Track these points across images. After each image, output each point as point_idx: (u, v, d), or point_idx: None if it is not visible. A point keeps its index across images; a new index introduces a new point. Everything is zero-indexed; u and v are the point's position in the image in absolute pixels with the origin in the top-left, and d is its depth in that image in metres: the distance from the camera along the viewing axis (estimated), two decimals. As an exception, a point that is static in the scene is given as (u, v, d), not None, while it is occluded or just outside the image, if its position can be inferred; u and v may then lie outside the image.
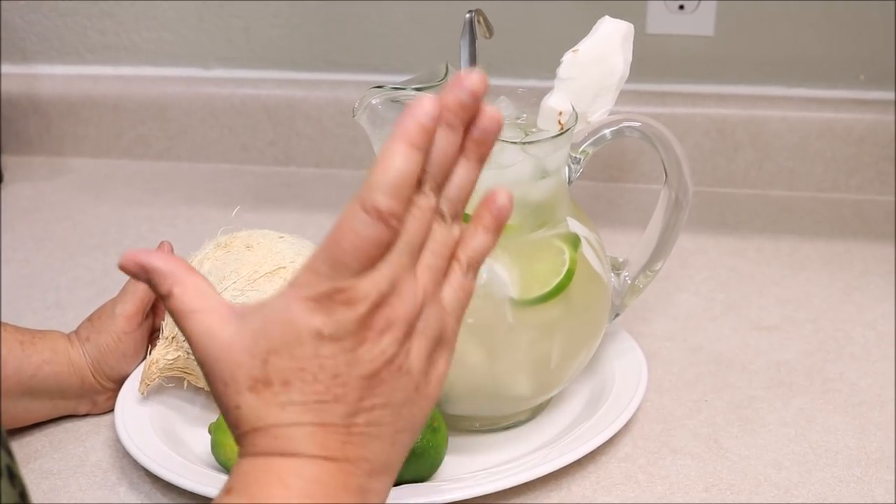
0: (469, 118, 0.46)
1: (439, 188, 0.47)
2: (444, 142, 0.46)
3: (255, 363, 0.46)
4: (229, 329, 0.46)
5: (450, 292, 0.49)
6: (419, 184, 0.46)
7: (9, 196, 1.20)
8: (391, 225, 0.44)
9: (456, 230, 0.49)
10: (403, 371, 0.47)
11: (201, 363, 0.47)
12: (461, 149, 0.47)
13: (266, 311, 0.46)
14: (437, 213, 0.47)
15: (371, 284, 0.45)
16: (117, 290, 0.81)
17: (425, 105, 0.44)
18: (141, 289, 0.79)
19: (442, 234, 0.48)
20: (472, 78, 0.45)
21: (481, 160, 0.48)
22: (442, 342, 0.49)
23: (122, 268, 0.49)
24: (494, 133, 0.47)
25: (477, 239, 0.49)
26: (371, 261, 0.45)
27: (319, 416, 0.45)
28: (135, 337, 0.79)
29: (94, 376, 0.78)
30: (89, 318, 0.80)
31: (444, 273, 0.49)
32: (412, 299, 0.46)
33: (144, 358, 0.79)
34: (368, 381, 0.46)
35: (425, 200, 0.46)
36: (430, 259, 0.48)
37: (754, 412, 0.79)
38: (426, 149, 0.45)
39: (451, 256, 0.49)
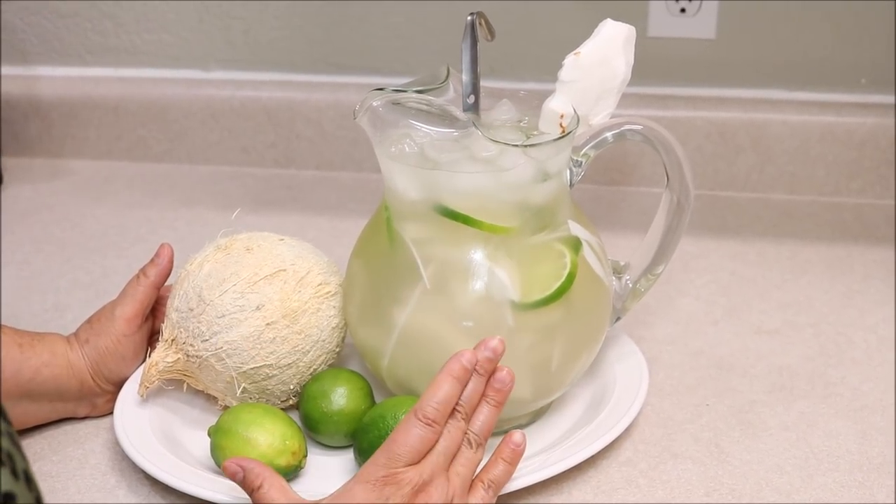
0: (491, 370, 0.65)
1: (468, 418, 0.65)
2: (473, 384, 0.65)
3: None
4: None
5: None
6: (454, 412, 0.64)
7: (8, 198, 1.19)
8: (435, 429, 0.62)
9: (479, 454, 0.66)
10: None
11: None
12: (483, 395, 0.65)
13: (335, 494, 0.62)
14: (465, 437, 0.64)
15: (415, 473, 0.61)
16: (116, 293, 0.81)
17: (467, 354, 0.64)
18: (140, 291, 0.79)
19: (468, 455, 0.65)
20: (493, 342, 0.65)
21: (498, 405, 0.66)
22: None
23: (226, 469, 0.64)
24: (508, 384, 0.66)
25: (498, 467, 0.66)
26: (418, 455, 0.62)
27: None
28: (134, 340, 0.79)
29: (93, 379, 0.78)
30: (88, 321, 0.80)
31: (469, 485, 0.65)
32: (444, 491, 0.62)
33: (143, 361, 0.79)
34: None
35: (457, 423, 0.64)
36: (459, 469, 0.64)
37: (756, 416, 0.79)
38: (464, 384, 0.64)
39: (475, 475, 0.66)
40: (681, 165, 0.76)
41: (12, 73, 1.28)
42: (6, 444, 0.40)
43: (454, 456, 0.64)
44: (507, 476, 0.67)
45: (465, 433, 0.65)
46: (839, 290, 0.97)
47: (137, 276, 0.80)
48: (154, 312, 0.82)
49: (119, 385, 0.79)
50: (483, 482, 0.66)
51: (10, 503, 0.38)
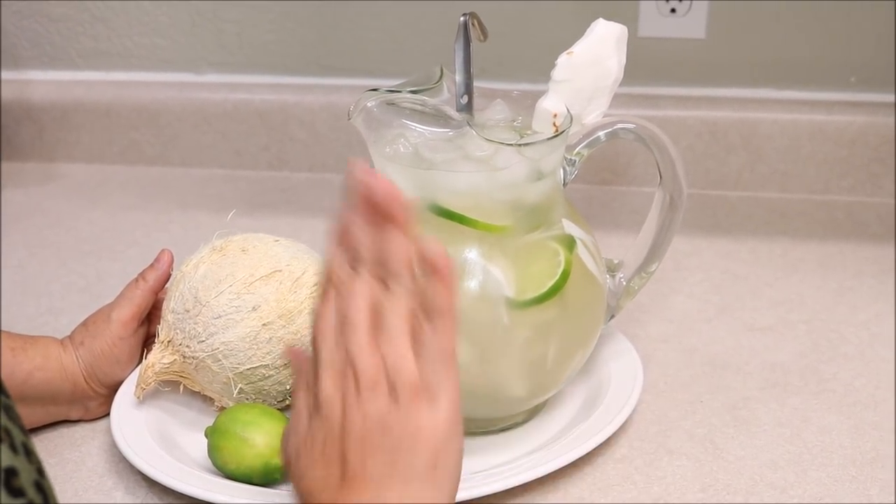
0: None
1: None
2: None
3: None
4: None
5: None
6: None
7: (2, 202, 1.19)
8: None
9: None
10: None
11: None
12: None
13: None
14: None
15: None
16: (111, 296, 0.81)
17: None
18: (138, 295, 0.79)
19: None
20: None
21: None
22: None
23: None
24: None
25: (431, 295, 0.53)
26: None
27: None
28: (129, 343, 0.79)
29: (86, 382, 0.78)
30: (84, 323, 0.80)
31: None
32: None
33: (138, 365, 0.79)
34: None
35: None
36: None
37: (749, 413, 0.79)
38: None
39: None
40: (673, 164, 0.77)
41: (4, 77, 1.27)
42: (4, 420, 0.40)
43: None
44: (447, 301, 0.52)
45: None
46: (831, 287, 0.97)
47: (136, 280, 0.80)
48: (150, 317, 0.82)
49: (112, 389, 0.79)
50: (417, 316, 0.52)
51: (13, 479, 0.38)
